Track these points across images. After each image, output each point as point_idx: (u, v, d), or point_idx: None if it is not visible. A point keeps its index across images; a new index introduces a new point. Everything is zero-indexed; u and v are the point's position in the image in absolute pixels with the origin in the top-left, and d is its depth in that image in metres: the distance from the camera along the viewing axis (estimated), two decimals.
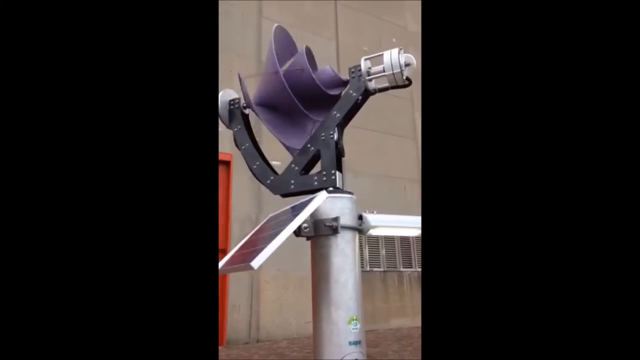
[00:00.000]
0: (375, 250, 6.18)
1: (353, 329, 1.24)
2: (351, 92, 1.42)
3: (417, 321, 6.21)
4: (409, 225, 1.47)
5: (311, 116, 1.51)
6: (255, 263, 1.02)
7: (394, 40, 6.87)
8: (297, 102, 1.42)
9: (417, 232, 1.49)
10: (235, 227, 5.06)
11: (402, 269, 6.31)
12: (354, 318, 1.25)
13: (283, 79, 1.42)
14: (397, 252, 6.35)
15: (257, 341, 5.06)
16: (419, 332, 5.94)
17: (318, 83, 1.46)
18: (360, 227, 1.34)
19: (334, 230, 1.27)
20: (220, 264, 1.40)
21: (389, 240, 6.29)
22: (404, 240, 6.39)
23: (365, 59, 1.43)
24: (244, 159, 1.55)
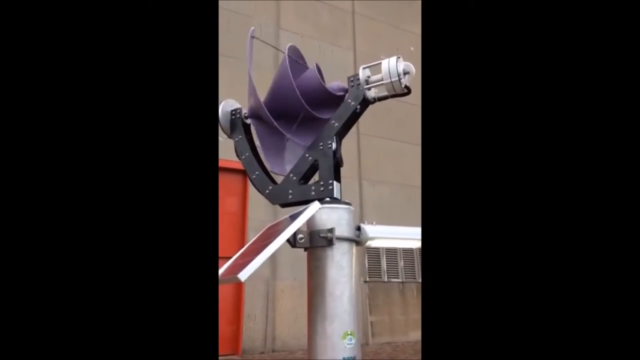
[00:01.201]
0: (394, 261, 6.08)
1: (347, 344, 1.20)
2: (349, 101, 1.41)
3: None
4: (409, 237, 1.43)
5: (315, 114, 1.49)
6: (243, 275, 1.01)
7: (412, 48, 6.82)
8: (303, 102, 1.41)
9: (417, 245, 1.44)
10: (251, 235, 5.09)
11: (404, 280, 6.17)
12: (349, 333, 1.21)
13: (257, 92, 1.42)
14: (415, 263, 6.22)
15: (273, 351, 5.04)
16: None
17: (324, 84, 1.45)
18: (357, 239, 1.31)
19: (329, 242, 1.24)
20: (220, 271, 1.40)
21: (408, 251, 6.17)
22: (407, 252, 6.26)
23: (364, 68, 1.41)
24: (245, 168, 1.55)
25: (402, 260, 6.13)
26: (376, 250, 5.97)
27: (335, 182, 1.36)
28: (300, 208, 1.39)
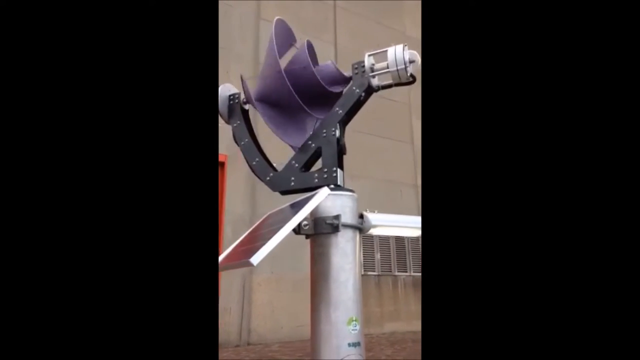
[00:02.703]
0: (370, 254, 6.15)
1: (352, 330, 1.20)
2: (354, 88, 1.40)
3: (411, 325, 6.18)
4: (410, 225, 1.44)
5: (312, 113, 1.48)
6: (255, 259, 0.99)
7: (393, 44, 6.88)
8: (297, 99, 1.39)
9: (417, 233, 1.46)
10: (228, 229, 5.01)
11: (397, 273, 6.28)
12: (354, 319, 1.22)
13: (284, 76, 1.39)
14: (392, 256, 6.33)
15: (248, 344, 5.00)
16: (413, 336, 5.91)
17: (320, 80, 1.44)
18: (361, 226, 1.31)
19: (335, 228, 1.24)
20: (219, 259, 1.37)
21: (384, 244, 6.26)
22: (399, 244, 6.37)
23: (369, 55, 1.41)
24: (243, 155, 1.51)
25: (378, 253, 6.21)
26: None
27: (338, 170, 1.36)
28: (302, 196, 1.38)
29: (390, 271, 6.27)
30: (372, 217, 1.34)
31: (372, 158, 6.42)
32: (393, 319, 6.07)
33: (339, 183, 1.34)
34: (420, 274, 6.60)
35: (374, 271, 6.12)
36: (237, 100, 1.59)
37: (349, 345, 1.19)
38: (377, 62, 1.42)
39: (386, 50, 1.36)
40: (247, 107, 1.61)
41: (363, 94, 1.39)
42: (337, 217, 1.25)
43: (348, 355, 1.18)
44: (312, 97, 1.47)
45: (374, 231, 1.37)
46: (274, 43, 1.38)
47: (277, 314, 5.31)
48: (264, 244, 1.04)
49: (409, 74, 1.34)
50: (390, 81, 1.40)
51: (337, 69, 1.48)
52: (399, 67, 1.33)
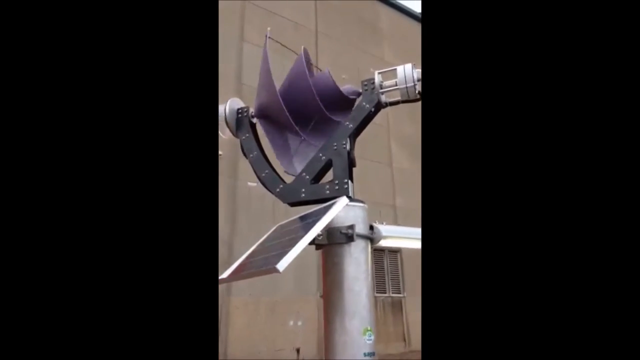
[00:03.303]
0: None
1: (367, 340, 1.21)
2: (364, 104, 1.45)
3: (391, 348, 6.16)
4: (417, 237, 1.48)
5: (303, 134, 1.52)
6: (281, 266, 1.00)
7: (372, 70, 7.11)
8: (290, 119, 1.44)
9: None
10: None
11: (375, 294, 6.28)
12: (368, 329, 1.22)
13: (278, 94, 1.44)
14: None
15: None
16: (393, 359, 5.87)
17: (321, 106, 1.48)
18: (372, 236, 1.34)
19: (350, 238, 1.26)
20: (226, 274, 1.35)
21: None
22: (378, 265, 6.40)
23: (379, 73, 1.47)
24: (252, 167, 1.52)
25: None
26: None
27: (349, 182, 1.39)
28: (312, 208, 1.40)
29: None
30: (383, 228, 1.37)
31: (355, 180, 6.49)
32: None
33: (350, 194, 1.37)
34: (399, 295, 6.62)
35: None
36: (245, 114, 1.61)
37: (365, 355, 1.19)
38: (384, 79, 1.49)
39: (395, 69, 1.43)
40: (254, 120, 1.63)
41: (373, 109, 1.44)
42: (352, 227, 1.27)
43: None
44: (331, 104, 1.51)
45: (383, 242, 1.40)
46: (304, 65, 1.43)
47: (255, 337, 5.17)
48: (287, 251, 1.04)
49: (417, 92, 1.40)
50: (397, 98, 1.46)
51: (334, 83, 1.53)
52: (408, 85, 1.39)
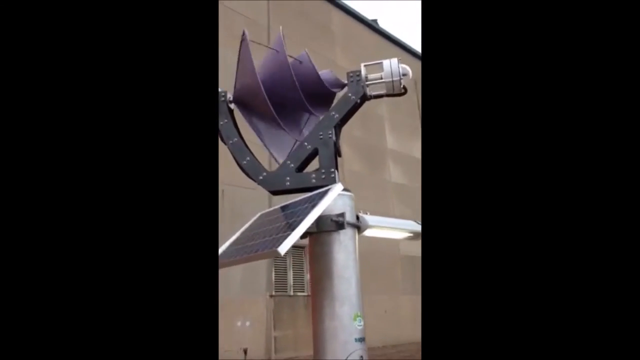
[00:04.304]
0: (300, 275, 6.14)
1: (358, 325, 1.22)
2: (350, 95, 1.47)
3: None
4: (401, 227, 1.52)
5: (282, 124, 1.51)
6: (282, 249, 0.98)
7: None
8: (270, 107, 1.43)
9: (406, 235, 1.55)
10: None
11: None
12: (358, 314, 1.24)
13: (260, 83, 1.42)
14: None
15: None
16: None
17: (303, 99, 1.48)
18: (360, 225, 1.36)
19: (340, 226, 1.26)
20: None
21: None
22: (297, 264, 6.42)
23: (365, 65, 1.50)
24: (232, 154, 1.48)
25: (308, 273, 6.21)
26: (283, 263, 5.96)
27: (336, 171, 1.39)
28: (297, 197, 1.39)
29: None
30: (369, 218, 1.39)
31: None
32: None
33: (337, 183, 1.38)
34: None
35: (304, 292, 6.10)
36: (223, 99, 1.56)
37: (356, 340, 1.20)
38: (369, 73, 1.52)
39: (381, 62, 1.46)
40: (232, 106, 1.58)
41: (359, 101, 1.46)
42: (342, 214, 1.28)
43: (355, 350, 1.19)
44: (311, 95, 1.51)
45: (368, 232, 1.42)
46: (286, 55, 1.41)
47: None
48: (287, 236, 1.03)
49: (401, 86, 1.45)
50: (382, 91, 1.50)
51: (316, 73, 1.53)
52: (394, 79, 1.43)
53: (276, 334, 5.61)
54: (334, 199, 1.31)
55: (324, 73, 1.55)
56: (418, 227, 1.56)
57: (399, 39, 10.04)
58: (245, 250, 1.16)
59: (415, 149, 9.32)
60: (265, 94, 1.42)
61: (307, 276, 6.19)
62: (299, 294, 6.04)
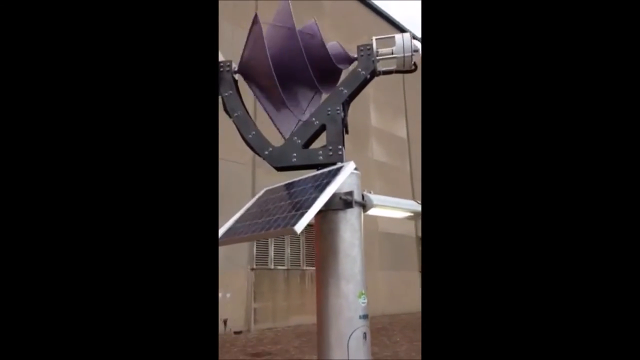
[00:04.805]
0: (281, 249, 6.17)
1: (362, 302, 1.23)
2: (360, 70, 1.43)
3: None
4: (403, 207, 1.53)
5: (284, 98, 1.47)
6: (299, 227, 0.96)
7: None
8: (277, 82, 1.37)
9: (407, 214, 1.56)
10: None
11: (305, 268, 6.41)
12: (363, 292, 1.24)
13: (269, 58, 1.36)
14: (301, 251, 6.43)
15: None
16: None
17: (312, 76, 1.42)
18: (365, 203, 1.35)
19: (348, 204, 1.25)
20: (221, 231, 1.28)
21: (294, 239, 6.34)
22: (309, 239, 6.51)
23: (376, 39, 1.45)
24: (237, 127, 1.43)
25: (288, 247, 6.26)
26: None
27: (343, 148, 1.37)
28: (305, 174, 1.36)
29: (299, 265, 6.37)
30: (373, 197, 1.39)
31: None
32: (299, 312, 6.17)
33: (343, 161, 1.36)
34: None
35: (284, 265, 6.15)
36: (228, 69, 1.49)
37: (360, 317, 1.21)
38: (379, 47, 1.48)
39: (393, 37, 1.42)
40: (237, 77, 1.52)
41: (368, 76, 1.43)
42: (350, 193, 1.26)
43: (359, 327, 1.20)
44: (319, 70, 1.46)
45: (372, 211, 1.42)
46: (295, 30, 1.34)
47: None
48: (302, 214, 1.01)
49: (413, 62, 1.42)
50: (392, 67, 1.47)
51: (325, 48, 1.48)
52: (405, 54, 1.40)
53: (256, 305, 5.67)
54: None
55: (332, 46, 1.50)
56: (418, 207, 1.57)
57: (391, 16, 9.89)
58: (257, 227, 1.13)
59: (397, 128, 9.34)
60: (274, 72, 1.36)
61: (287, 250, 6.24)
62: (280, 267, 6.09)
